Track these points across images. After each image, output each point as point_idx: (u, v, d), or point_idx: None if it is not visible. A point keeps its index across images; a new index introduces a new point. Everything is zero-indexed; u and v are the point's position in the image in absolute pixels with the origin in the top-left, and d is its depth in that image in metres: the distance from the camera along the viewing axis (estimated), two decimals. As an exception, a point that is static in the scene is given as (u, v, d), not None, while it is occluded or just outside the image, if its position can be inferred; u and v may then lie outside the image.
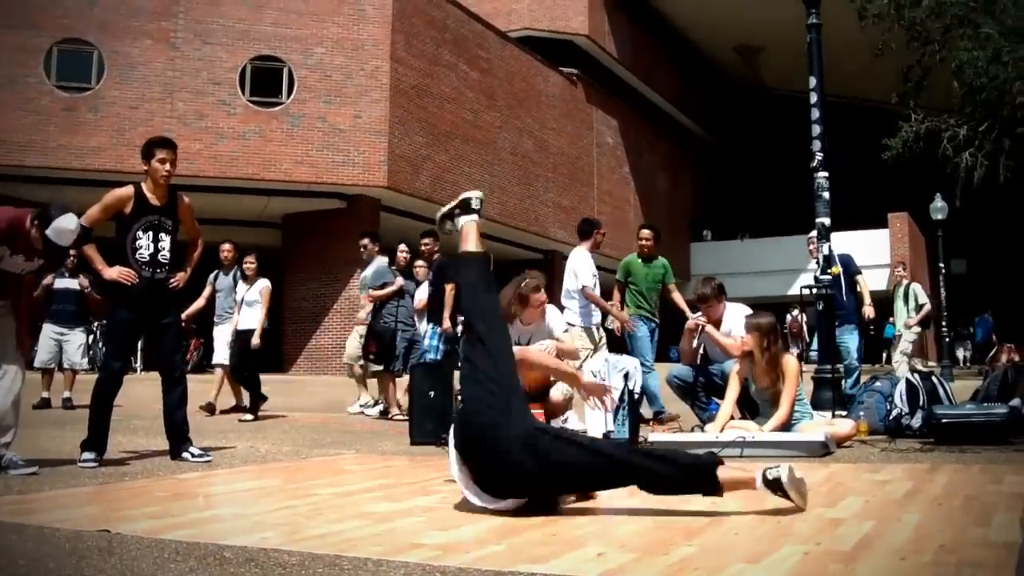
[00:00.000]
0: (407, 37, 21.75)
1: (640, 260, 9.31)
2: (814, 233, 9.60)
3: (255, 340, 9.69)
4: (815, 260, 9.06)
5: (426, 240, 10.49)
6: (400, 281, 10.19)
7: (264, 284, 10.11)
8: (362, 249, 10.66)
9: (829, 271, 8.53)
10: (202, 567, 2.82)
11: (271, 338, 11.03)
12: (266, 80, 20.51)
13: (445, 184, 22.86)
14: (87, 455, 5.64)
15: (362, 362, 10.58)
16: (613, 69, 32.86)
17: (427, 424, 7.40)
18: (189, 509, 4.16)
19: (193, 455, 5.96)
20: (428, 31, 22.62)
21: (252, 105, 20.27)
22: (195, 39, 20.10)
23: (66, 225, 5.22)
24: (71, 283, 10.78)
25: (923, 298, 10.43)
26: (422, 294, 10.49)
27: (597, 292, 8.75)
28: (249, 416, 9.58)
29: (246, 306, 9.97)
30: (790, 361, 6.35)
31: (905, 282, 12.85)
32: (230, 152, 19.92)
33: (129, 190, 5.94)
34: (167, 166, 5.97)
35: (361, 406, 10.63)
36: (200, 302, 10.40)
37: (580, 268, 8.72)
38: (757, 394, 6.44)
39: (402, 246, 10.60)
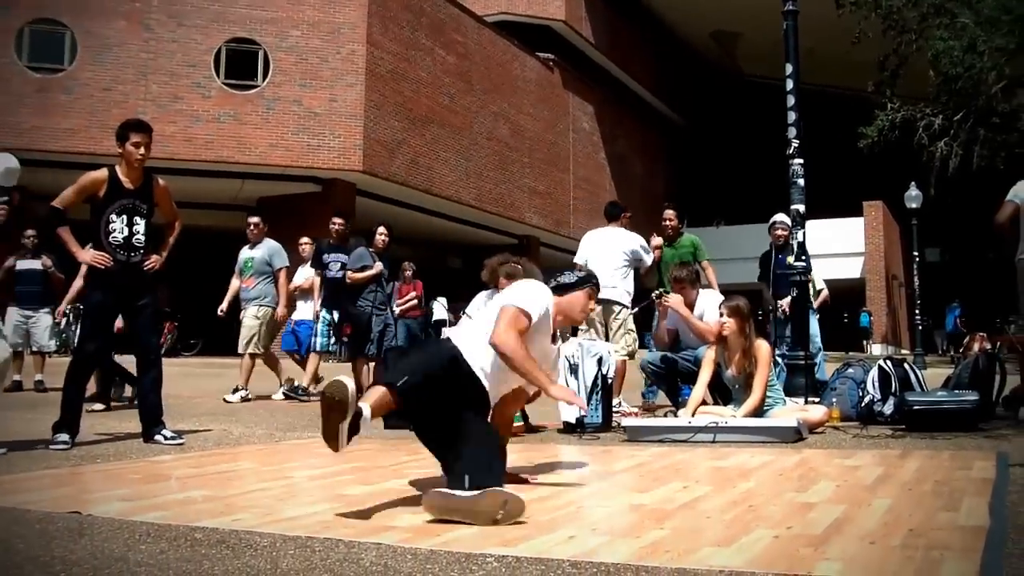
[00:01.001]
0: (383, 20, 21.65)
1: (664, 242, 9.16)
2: (780, 216, 9.73)
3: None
4: (783, 246, 9.19)
5: (339, 220, 10.62)
6: (379, 266, 10.13)
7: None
8: (253, 229, 10.42)
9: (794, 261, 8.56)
10: (173, 548, 2.81)
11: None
12: (241, 63, 20.39)
13: (420, 168, 22.83)
14: (59, 437, 5.60)
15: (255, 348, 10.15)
16: (590, 55, 32.86)
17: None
18: (161, 491, 4.13)
19: (166, 437, 5.92)
20: (404, 15, 22.53)
21: (227, 88, 20.15)
22: (169, 21, 19.95)
23: (5, 164, 5.17)
24: (34, 264, 10.65)
25: (820, 284, 10.53)
26: (307, 274, 10.91)
27: None
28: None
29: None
30: (762, 346, 6.37)
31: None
32: (205, 135, 19.80)
33: (103, 173, 5.87)
34: (141, 150, 5.91)
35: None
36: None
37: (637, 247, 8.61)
38: (729, 380, 6.47)
39: (381, 228, 10.48)
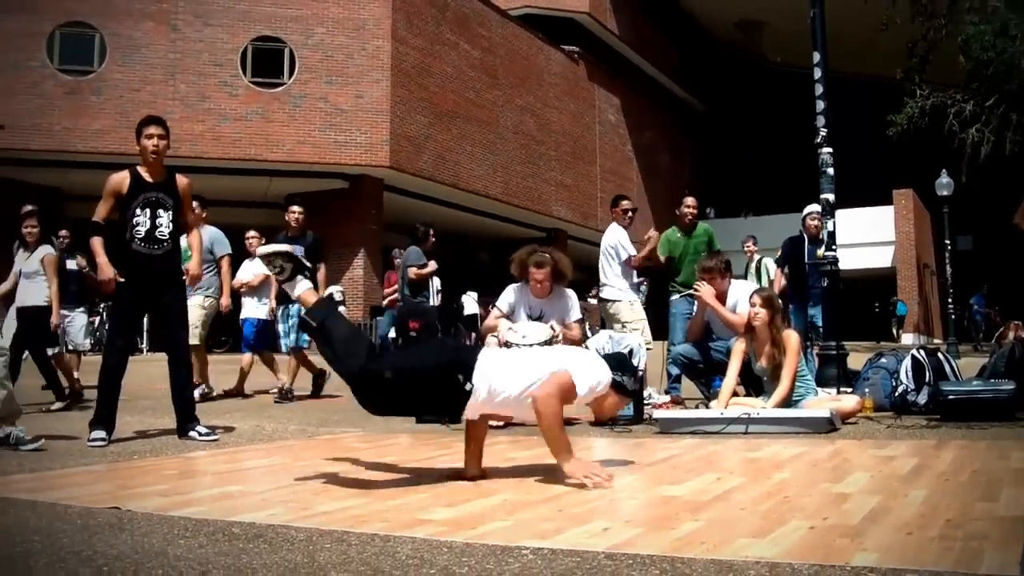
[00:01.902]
0: (408, 16, 21.69)
1: (680, 232, 9.01)
2: (815, 207, 9.60)
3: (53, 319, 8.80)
4: (816, 236, 9.15)
5: (297, 209, 9.83)
6: (434, 264, 10.37)
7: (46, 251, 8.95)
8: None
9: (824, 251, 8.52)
10: (211, 543, 2.84)
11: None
12: (267, 61, 20.50)
13: (447, 163, 22.87)
14: (96, 433, 5.67)
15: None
16: (615, 46, 32.76)
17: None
18: (197, 487, 4.17)
19: (200, 434, 5.97)
20: (429, 10, 22.55)
21: (254, 86, 20.25)
22: (196, 21, 20.08)
23: None
24: (69, 264, 10.71)
25: (774, 273, 10.51)
26: (256, 270, 9.88)
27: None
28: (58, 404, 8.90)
29: (25, 279, 8.93)
30: (791, 336, 6.35)
31: (757, 257, 12.77)
32: (232, 133, 19.92)
33: (124, 172, 5.97)
34: (154, 141, 5.97)
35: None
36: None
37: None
38: (760, 371, 6.44)
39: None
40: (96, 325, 19.16)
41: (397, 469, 4.51)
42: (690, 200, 9.07)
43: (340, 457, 4.89)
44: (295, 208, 9.73)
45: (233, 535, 2.95)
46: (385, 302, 14.55)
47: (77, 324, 10.76)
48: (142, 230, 5.90)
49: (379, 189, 22.12)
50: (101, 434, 5.68)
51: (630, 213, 8.73)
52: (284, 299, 9.28)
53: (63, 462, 4.87)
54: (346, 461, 4.77)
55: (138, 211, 5.90)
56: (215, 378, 10.01)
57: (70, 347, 10.79)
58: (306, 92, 20.55)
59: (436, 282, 21.02)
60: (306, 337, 9.07)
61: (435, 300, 20.73)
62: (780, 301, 6.48)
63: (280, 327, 9.62)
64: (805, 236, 10.08)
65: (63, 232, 10.82)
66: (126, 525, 3.12)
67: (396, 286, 13.80)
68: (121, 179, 5.93)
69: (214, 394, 9.72)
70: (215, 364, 10.12)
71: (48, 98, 18.95)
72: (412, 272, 10.58)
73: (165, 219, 5.99)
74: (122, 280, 5.88)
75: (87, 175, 17.90)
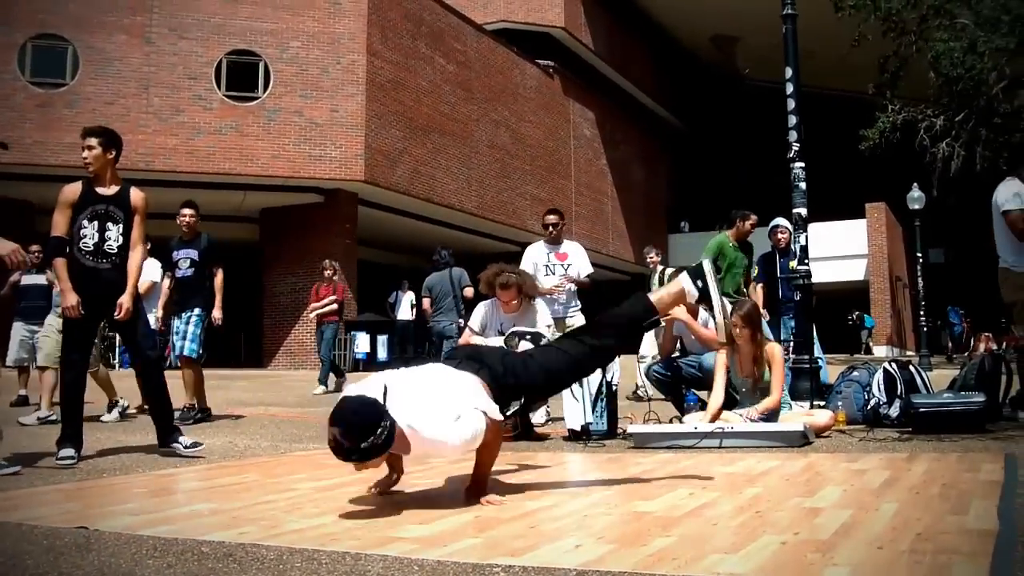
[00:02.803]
0: (383, 30, 21.70)
1: (732, 244, 9.06)
2: (781, 220, 9.76)
3: None
4: (785, 249, 9.27)
5: (188, 211, 9.07)
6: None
7: None
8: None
9: (796, 265, 8.60)
10: (180, 563, 2.81)
11: (251, 332, 10.79)
12: (242, 75, 20.44)
13: (422, 178, 22.87)
14: (65, 452, 5.56)
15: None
16: (590, 61, 32.91)
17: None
18: (167, 505, 4.13)
19: (184, 446, 5.93)
20: (404, 24, 22.57)
21: (228, 100, 20.19)
22: (170, 34, 20.00)
23: None
24: (39, 279, 10.62)
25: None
26: (153, 275, 9.47)
27: None
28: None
29: None
30: (775, 348, 6.46)
31: (660, 268, 12.84)
32: (207, 147, 19.83)
33: (76, 183, 5.87)
34: (83, 152, 5.92)
35: (120, 410, 9.18)
36: None
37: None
38: (739, 383, 6.47)
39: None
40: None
41: (369, 485, 4.48)
42: (754, 217, 9.11)
43: (312, 474, 4.87)
44: (186, 211, 9.05)
45: (203, 554, 2.92)
46: (312, 314, 13.85)
47: (54, 339, 10.52)
48: (90, 243, 5.78)
49: (354, 203, 22.08)
50: (70, 452, 5.58)
51: (550, 228, 8.48)
52: (178, 308, 8.93)
53: (31, 481, 4.81)
54: (318, 478, 4.74)
55: (85, 223, 5.76)
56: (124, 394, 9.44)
57: (40, 363, 10.61)
58: (281, 106, 20.50)
59: (411, 296, 21.09)
60: (195, 347, 8.70)
61: (410, 315, 20.81)
62: (758, 315, 6.52)
63: (173, 337, 9.01)
64: (776, 251, 10.16)
65: (34, 247, 10.72)
66: (93, 545, 3.08)
67: (326, 300, 13.61)
68: (73, 190, 5.83)
69: (130, 410, 9.36)
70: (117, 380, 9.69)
71: (19, 111, 18.80)
72: (469, 292, 11.27)
73: (115, 232, 5.84)
74: (72, 314, 5.69)
75: (58, 189, 17.77)
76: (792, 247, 8.85)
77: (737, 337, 6.34)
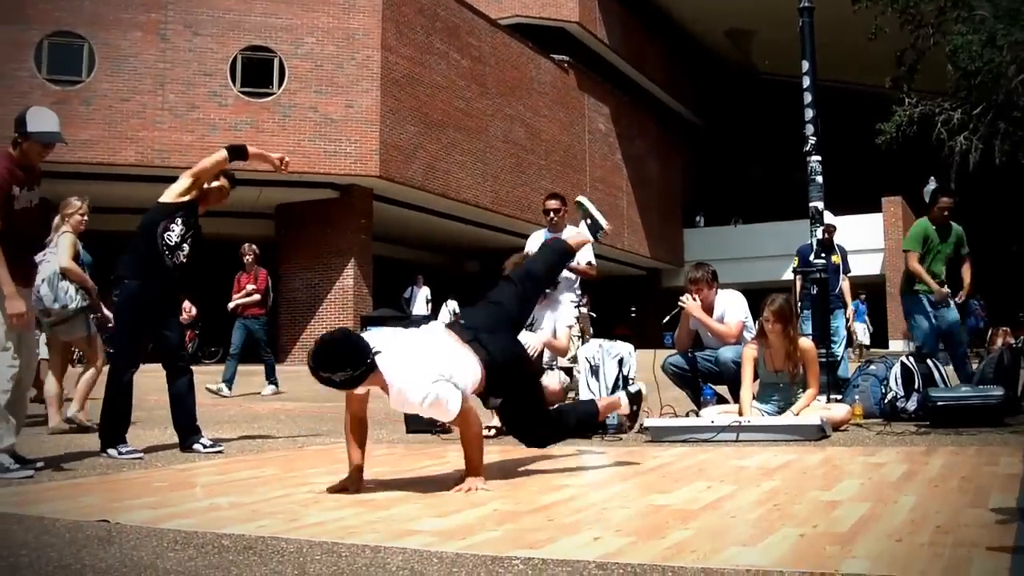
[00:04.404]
0: (397, 25, 21.70)
1: (936, 228, 8.59)
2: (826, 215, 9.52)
3: None
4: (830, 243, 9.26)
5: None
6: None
7: None
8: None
9: (831, 259, 8.59)
10: (201, 555, 2.83)
11: (268, 328, 10.66)
12: (257, 71, 20.47)
13: (437, 173, 22.88)
14: (205, 440, 5.94)
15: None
16: (604, 55, 32.86)
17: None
18: (187, 499, 4.16)
19: (204, 446, 5.95)
20: (418, 19, 22.57)
21: (243, 96, 20.23)
22: (185, 30, 20.05)
23: (44, 115, 5.19)
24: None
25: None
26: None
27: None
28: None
29: None
30: (807, 343, 6.48)
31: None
32: (222, 143, 19.61)
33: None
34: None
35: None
36: None
37: None
38: (768, 377, 6.44)
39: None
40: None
41: (387, 479, 4.50)
42: (944, 200, 8.68)
43: (330, 467, 4.88)
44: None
45: (223, 547, 2.94)
46: (231, 305, 12.02)
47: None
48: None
49: (369, 198, 22.12)
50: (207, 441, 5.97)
51: (551, 214, 8.16)
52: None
53: (51, 475, 4.85)
54: (336, 471, 4.76)
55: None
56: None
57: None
58: (296, 102, 20.53)
59: (426, 291, 21.13)
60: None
61: (425, 310, 20.84)
62: (790, 310, 6.48)
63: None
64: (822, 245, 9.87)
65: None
66: (115, 538, 3.11)
67: (247, 290, 12.04)
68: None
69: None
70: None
71: (36, 108, 18.90)
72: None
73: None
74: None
75: (76, 186, 17.83)
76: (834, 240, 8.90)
77: (769, 332, 6.34)
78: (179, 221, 5.92)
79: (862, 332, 23.99)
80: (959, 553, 2.57)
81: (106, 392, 5.76)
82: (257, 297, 12.09)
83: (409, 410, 4.33)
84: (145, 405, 8.84)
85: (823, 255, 8.42)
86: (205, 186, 6.14)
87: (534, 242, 8.24)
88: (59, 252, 7.27)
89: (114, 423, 5.72)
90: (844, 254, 10.50)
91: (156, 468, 5.22)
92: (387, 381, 3.87)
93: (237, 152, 5.99)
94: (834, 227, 9.51)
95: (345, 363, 3.77)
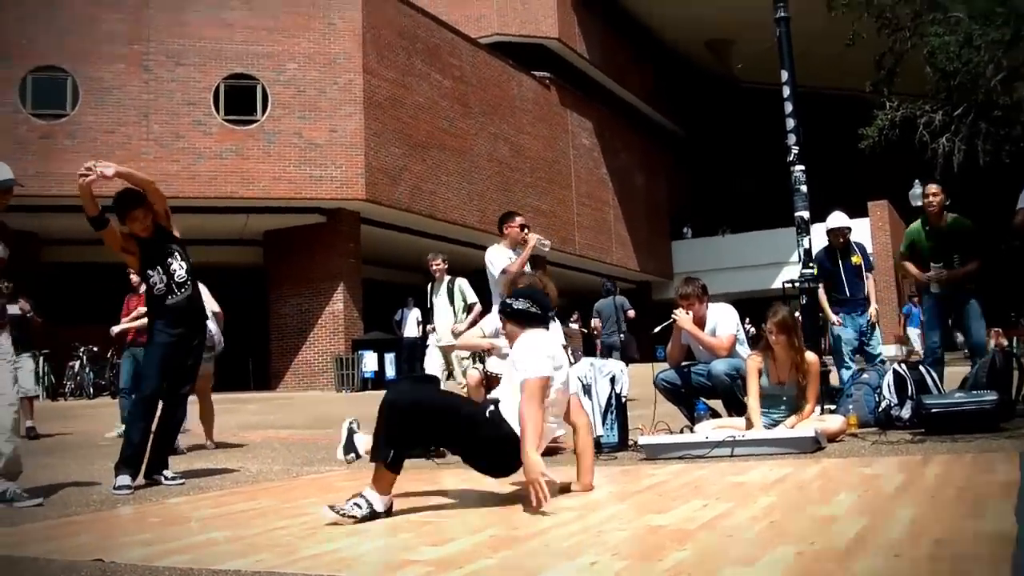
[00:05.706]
0: (378, 48, 21.75)
1: (929, 228, 8.35)
2: (839, 219, 9.46)
3: None
4: (845, 247, 9.29)
5: None
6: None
7: None
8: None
9: (851, 260, 8.63)
10: (196, 596, 2.81)
11: (259, 355, 10.66)
12: (240, 98, 20.50)
13: (424, 194, 22.90)
14: (168, 473, 6.06)
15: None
16: (585, 70, 32.98)
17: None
18: (183, 534, 4.13)
19: (167, 478, 6.03)
20: (399, 41, 22.63)
21: (228, 124, 20.24)
22: (168, 61, 20.07)
23: None
24: (12, 308, 10.47)
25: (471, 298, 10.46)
26: None
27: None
28: None
29: None
30: (812, 357, 6.45)
31: (448, 277, 12.50)
32: (208, 172, 19.88)
33: None
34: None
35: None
36: None
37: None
38: (772, 388, 6.42)
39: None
40: (77, 369, 19.01)
41: (383, 508, 4.48)
42: (932, 187, 8.34)
43: (325, 497, 4.85)
44: None
45: (219, 585, 2.92)
46: (115, 330, 10.04)
47: (25, 369, 10.24)
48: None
49: (356, 222, 22.13)
50: (170, 473, 6.08)
51: (524, 229, 8.40)
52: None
53: (45, 514, 4.81)
54: (331, 501, 4.73)
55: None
56: None
57: (20, 394, 10.31)
58: (280, 128, 20.55)
59: (417, 313, 21.04)
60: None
61: (416, 332, 20.73)
62: (793, 321, 6.48)
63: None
64: (837, 249, 9.74)
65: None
66: (109, 579, 3.08)
67: (136, 313, 9.78)
68: None
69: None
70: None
71: (22, 143, 18.87)
72: (632, 314, 14.57)
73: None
74: None
75: (62, 219, 17.81)
76: (851, 243, 9.13)
77: (774, 344, 6.33)
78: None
79: (914, 338, 22.52)
80: (959, 567, 2.57)
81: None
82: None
83: (513, 352, 4.57)
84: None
85: (811, 264, 8.43)
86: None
87: (496, 260, 8.21)
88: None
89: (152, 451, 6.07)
90: (864, 251, 10.07)
91: (150, 503, 5.18)
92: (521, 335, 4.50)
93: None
94: (849, 228, 9.39)
95: (536, 303, 4.60)
